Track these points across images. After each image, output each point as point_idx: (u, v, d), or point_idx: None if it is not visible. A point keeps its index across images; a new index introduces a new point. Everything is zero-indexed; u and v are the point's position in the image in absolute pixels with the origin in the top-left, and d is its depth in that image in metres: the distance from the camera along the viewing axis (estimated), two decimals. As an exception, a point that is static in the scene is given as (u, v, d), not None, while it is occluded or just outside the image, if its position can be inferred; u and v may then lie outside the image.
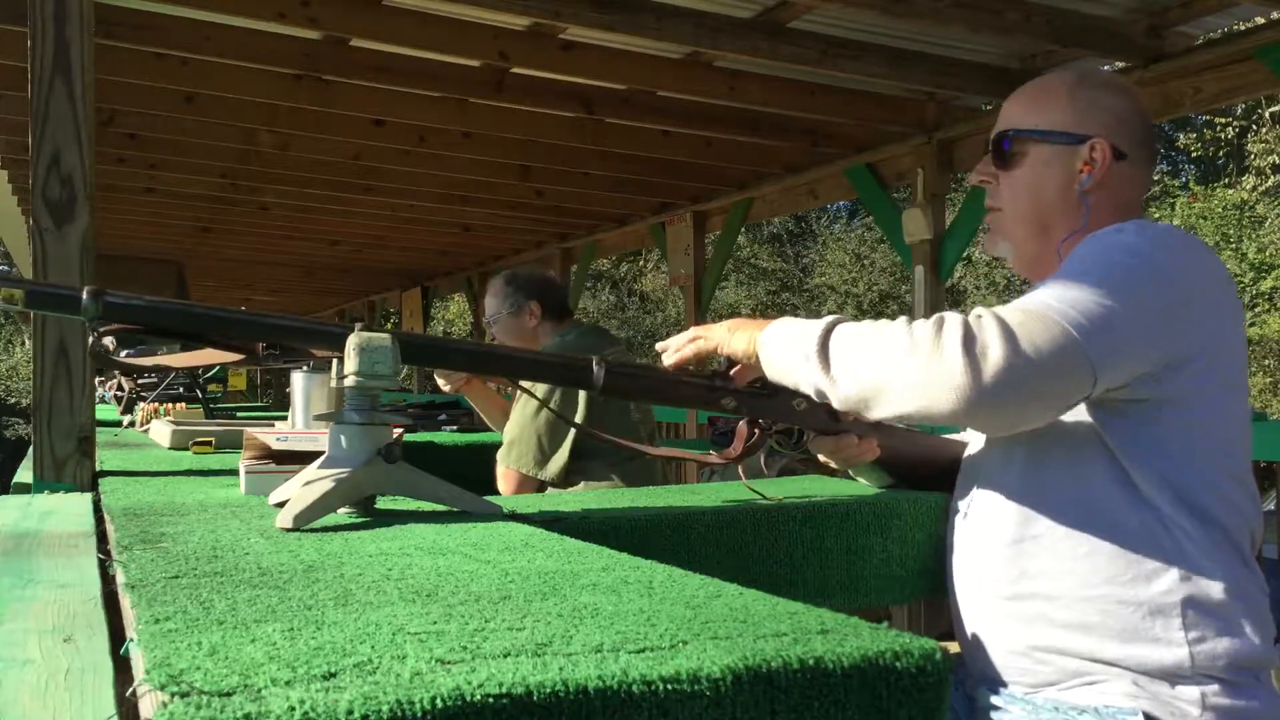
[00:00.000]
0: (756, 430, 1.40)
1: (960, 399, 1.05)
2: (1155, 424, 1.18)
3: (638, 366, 1.37)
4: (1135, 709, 1.16)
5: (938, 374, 1.06)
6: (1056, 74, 1.40)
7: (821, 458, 1.48)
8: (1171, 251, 1.19)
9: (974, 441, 1.42)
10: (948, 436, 1.57)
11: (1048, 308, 1.10)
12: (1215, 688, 1.16)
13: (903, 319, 1.15)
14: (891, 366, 1.10)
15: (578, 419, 2.52)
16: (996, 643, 1.28)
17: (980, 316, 1.09)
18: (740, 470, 1.49)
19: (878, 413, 1.14)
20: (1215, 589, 1.17)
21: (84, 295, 1.10)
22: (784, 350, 1.24)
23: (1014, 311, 1.10)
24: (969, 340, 1.06)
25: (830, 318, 1.23)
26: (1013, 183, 1.36)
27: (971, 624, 1.33)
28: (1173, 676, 1.17)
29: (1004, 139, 1.36)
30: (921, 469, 1.53)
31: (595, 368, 1.26)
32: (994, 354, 1.05)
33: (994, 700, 1.27)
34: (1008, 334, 1.06)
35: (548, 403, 2.54)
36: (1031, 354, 1.05)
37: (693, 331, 1.39)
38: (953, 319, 1.10)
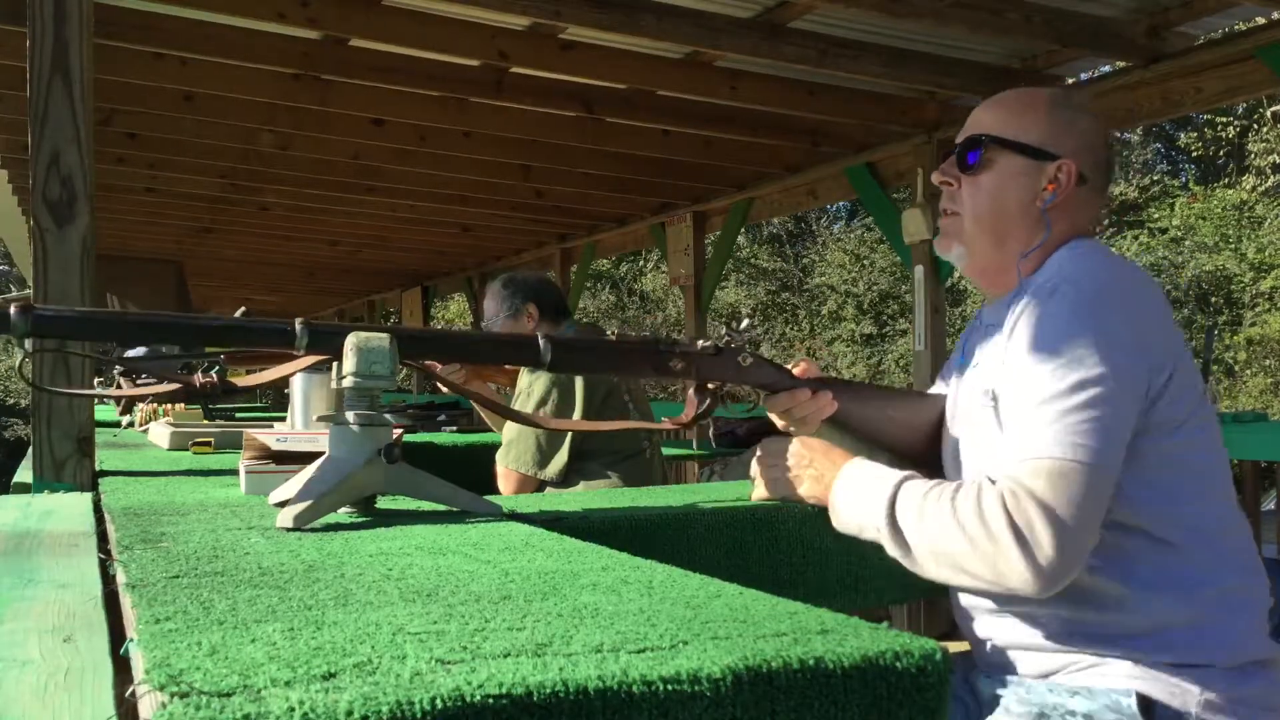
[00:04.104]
0: (708, 397, 1.41)
1: (1039, 586, 1.12)
2: (1135, 458, 1.20)
3: (583, 339, 1.39)
4: (1130, 689, 1.18)
5: (1008, 573, 1.13)
6: (1037, 89, 1.41)
7: (777, 419, 1.48)
8: (1115, 295, 1.22)
9: (952, 430, 1.42)
10: (922, 394, 1.55)
11: (1056, 455, 1.14)
12: (1214, 674, 1.19)
13: (946, 498, 1.18)
14: (960, 559, 1.16)
15: (575, 416, 2.52)
16: (995, 635, 1.31)
17: (1015, 495, 1.13)
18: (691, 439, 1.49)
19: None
20: (1210, 597, 1.20)
21: (11, 312, 1.04)
22: (853, 517, 1.30)
23: (1033, 476, 1.14)
24: (1017, 532, 1.12)
25: (887, 498, 1.24)
26: (975, 189, 1.36)
27: (969, 615, 1.35)
28: (1172, 667, 1.19)
29: (976, 144, 1.35)
30: (892, 428, 1.50)
31: (542, 343, 1.28)
32: (1045, 537, 1.11)
33: (996, 691, 1.30)
34: (1044, 509, 1.12)
35: (545, 402, 2.55)
36: (1070, 512, 1.12)
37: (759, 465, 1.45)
38: (992, 506, 1.14)
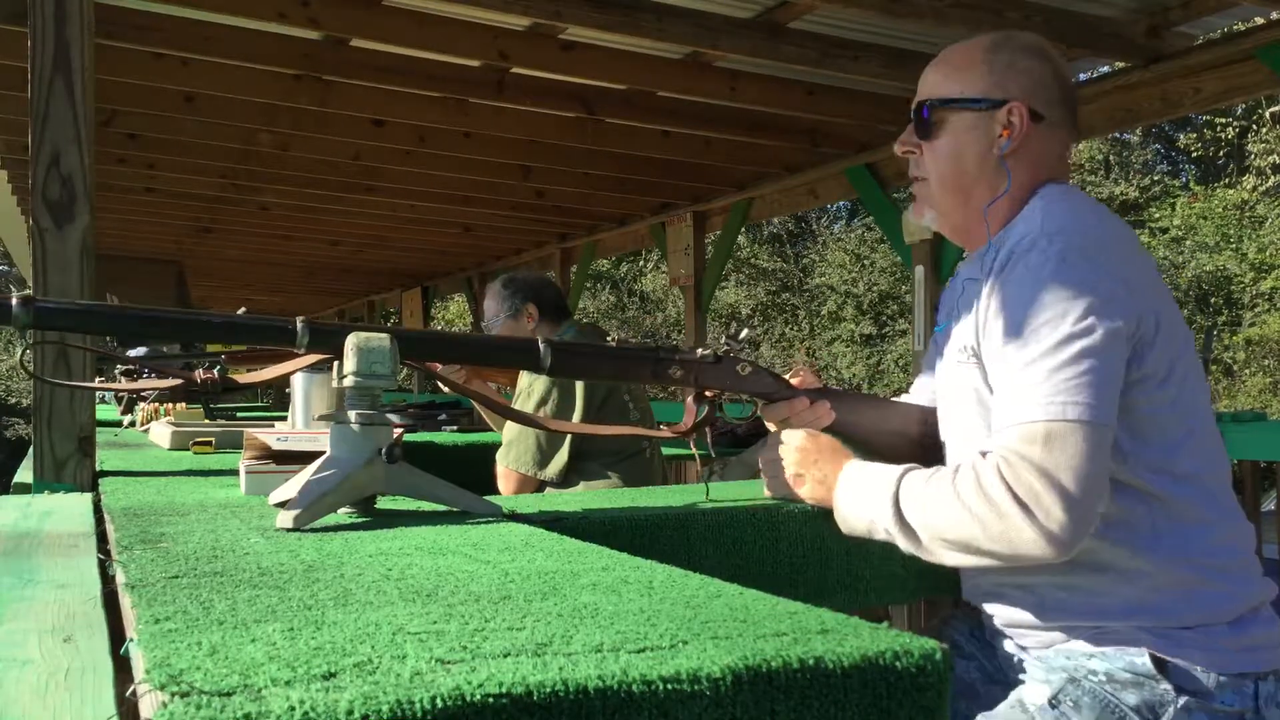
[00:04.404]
0: (706, 405, 1.41)
1: (1054, 551, 1.11)
2: (1126, 413, 1.19)
3: (583, 344, 1.39)
4: (1141, 649, 1.19)
5: (1020, 545, 1.12)
6: (974, 40, 1.39)
7: (774, 428, 1.48)
8: (1093, 245, 1.21)
9: (945, 420, 1.42)
10: (915, 404, 1.54)
11: (1046, 416, 1.12)
12: (1219, 627, 1.20)
13: (945, 482, 1.18)
14: (974, 541, 1.15)
15: (575, 418, 2.52)
16: (997, 610, 1.32)
17: (1009, 463, 1.12)
18: (698, 457, 1.50)
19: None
20: (1204, 544, 1.22)
21: (13, 303, 1.05)
22: (860, 519, 1.29)
23: (1026, 441, 1.13)
24: (1020, 501, 1.11)
25: (890, 495, 1.24)
26: (934, 152, 1.36)
27: (981, 589, 1.35)
28: (1179, 624, 1.20)
29: (924, 108, 1.36)
30: (887, 439, 1.50)
31: (542, 347, 1.28)
32: (1050, 501, 1.10)
33: (1010, 651, 1.31)
34: (1043, 474, 1.11)
35: (545, 402, 2.55)
36: (1071, 473, 1.11)
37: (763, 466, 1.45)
38: (990, 480, 1.13)
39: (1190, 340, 1.26)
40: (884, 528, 1.24)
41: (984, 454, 1.16)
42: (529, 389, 2.59)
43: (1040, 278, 1.18)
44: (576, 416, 2.53)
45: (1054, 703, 1.20)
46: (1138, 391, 1.19)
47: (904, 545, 1.23)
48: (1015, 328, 1.18)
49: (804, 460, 1.39)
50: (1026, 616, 1.28)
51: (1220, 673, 1.18)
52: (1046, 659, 1.26)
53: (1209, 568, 1.21)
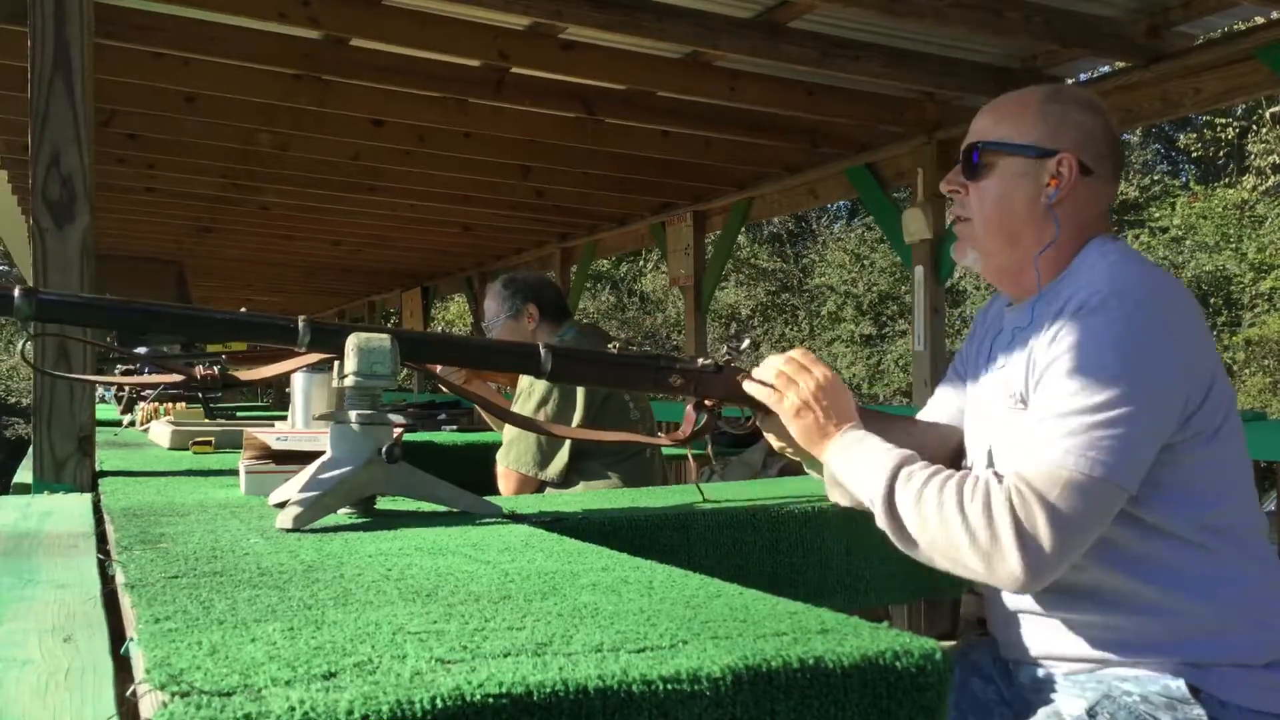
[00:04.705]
0: (705, 414, 1.41)
1: (1023, 586, 1.14)
2: (1173, 467, 1.22)
3: (584, 351, 1.39)
4: (1178, 675, 1.21)
5: (1001, 568, 1.14)
6: (1030, 89, 1.42)
7: (773, 440, 1.47)
8: (1161, 312, 1.22)
9: (975, 433, 1.42)
10: (915, 420, 1.55)
11: (1074, 467, 1.15)
12: (1255, 667, 1.21)
13: (951, 486, 1.19)
14: (956, 551, 1.17)
15: (576, 419, 2.52)
16: (1037, 636, 1.32)
17: (1023, 495, 1.14)
18: (691, 460, 1.50)
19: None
20: (1238, 591, 1.23)
21: (15, 294, 1.06)
22: (851, 482, 1.30)
23: (1047, 483, 1.15)
24: (1021, 532, 1.13)
25: (887, 481, 1.24)
26: (981, 193, 1.37)
27: (1008, 617, 1.35)
28: (1214, 661, 1.22)
29: (974, 150, 1.37)
30: None
31: (543, 352, 1.29)
32: (1046, 542, 1.13)
33: (1040, 676, 1.31)
34: (1053, 515, 1.13)
35: (545, 403, 2.54)
36: (1077, 523, 1.14)
37: (787, 368, 1.39)
38: (999, 503, 1.15)
39: (1233, 398, 1.29)
40: (870, 499, 1.25)
41: (999, 476, 1.18)
42: (529, 389, 2.59)
43: (1106, 337, 1.20)
44: (577, 417, 2.53)
45: (1091, 714, 1.21)
46: (1184, 449, 1.22)
47: (882, 522, 1.24)
48: (1066, 378, 1.20)
49: (819, 396, 1.36)
50: (1062, 649, 1.29)
51: (1253, 708, 1.20)
52: (1080, 680, 1.27)
53: (1244, 612, 1.23)
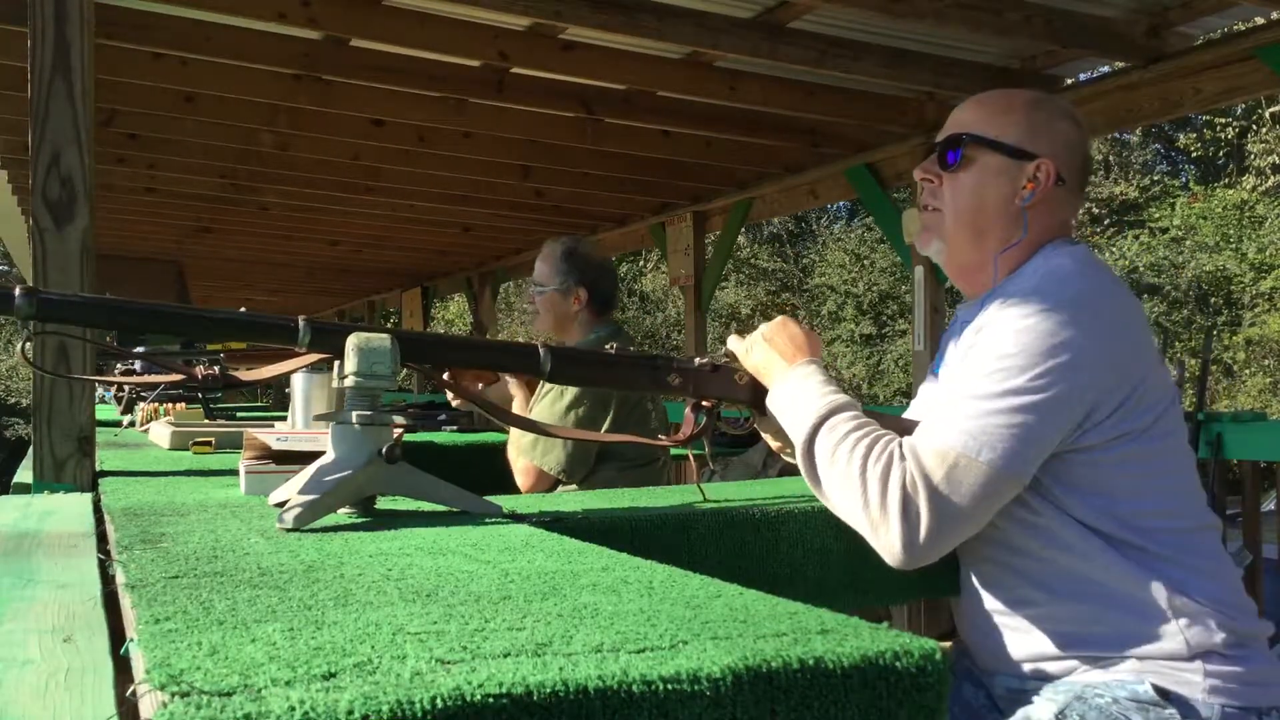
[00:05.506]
0: (704, 414, 1.42)
1: (901, 562, 1.18)
2: (1093, 466, 1.23)
3: (583, 351, 1.41)
4: (1142, 679, 1.21)
5: (884, 538, 1.19)
6: (1015, 90, 1.43)
7: (770, 440, 1.48)
8: (1086, 309, 1.24)
9: None
10: (912, 421, 1.56)
11: (963, 449, 1.17)
12: (1214, 659, 1.22)
13: (862, 447, 1.21)
14: (851, 511, 1.22)
15: (607, 424, 2.49)
16: (1003, 643, 1.32)
17: (911, 473, 1.18)
18: (692, 460, 1.50)
19: None
20: (1190, 587, 1.23)
21: (16, 294, 1.06)
22: (784, 418, 1.35)
23: (936, 460, 1.18)
24: (906, 508, 1.17)
25: (811, 426, 1.27)
26: (956, 186, 1.38)
27: (975, 625, 1.36)
28: (1172, 656, 1.22)
29: (956, 143, 1.38)
30: None
31: (542, 353, 1.30)
32: (925, 522, 1.17)
33: (1010, 687, 1.32)
34: (933, 496, 1.17)
35: (577, 406, 2.50)
36: (956, 505, 1.17)
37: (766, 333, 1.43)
38: (895, 476, 1.18)
39: (1174, 399, 1.29)
40: (794, 438, 1.30)
41: (902, 450, 1.21)
42: (560, 390, 2.53)
43: (1020, 326, 1.22)
44: (608, 420, 2.50)
45: (1061, 715, 1.21)
46: (1107, 449, 1.23)
47: (800, 463, 1.28)
48: (982, 362, 1.22)
49: (776, 334, 1.40)
50: (1023, 652, 1.29)
51: (1223, 703, 1.20)
52: (1052, 685, 1.27)
53: (1195, 606, 1.23)
